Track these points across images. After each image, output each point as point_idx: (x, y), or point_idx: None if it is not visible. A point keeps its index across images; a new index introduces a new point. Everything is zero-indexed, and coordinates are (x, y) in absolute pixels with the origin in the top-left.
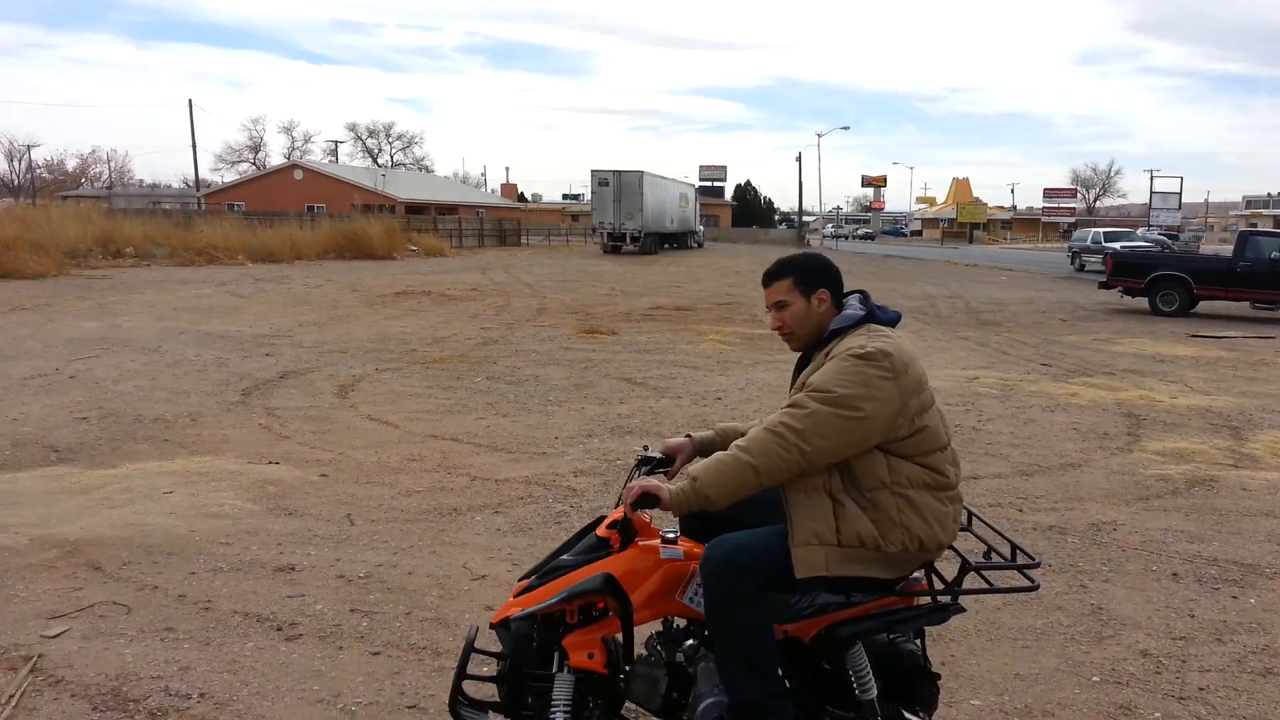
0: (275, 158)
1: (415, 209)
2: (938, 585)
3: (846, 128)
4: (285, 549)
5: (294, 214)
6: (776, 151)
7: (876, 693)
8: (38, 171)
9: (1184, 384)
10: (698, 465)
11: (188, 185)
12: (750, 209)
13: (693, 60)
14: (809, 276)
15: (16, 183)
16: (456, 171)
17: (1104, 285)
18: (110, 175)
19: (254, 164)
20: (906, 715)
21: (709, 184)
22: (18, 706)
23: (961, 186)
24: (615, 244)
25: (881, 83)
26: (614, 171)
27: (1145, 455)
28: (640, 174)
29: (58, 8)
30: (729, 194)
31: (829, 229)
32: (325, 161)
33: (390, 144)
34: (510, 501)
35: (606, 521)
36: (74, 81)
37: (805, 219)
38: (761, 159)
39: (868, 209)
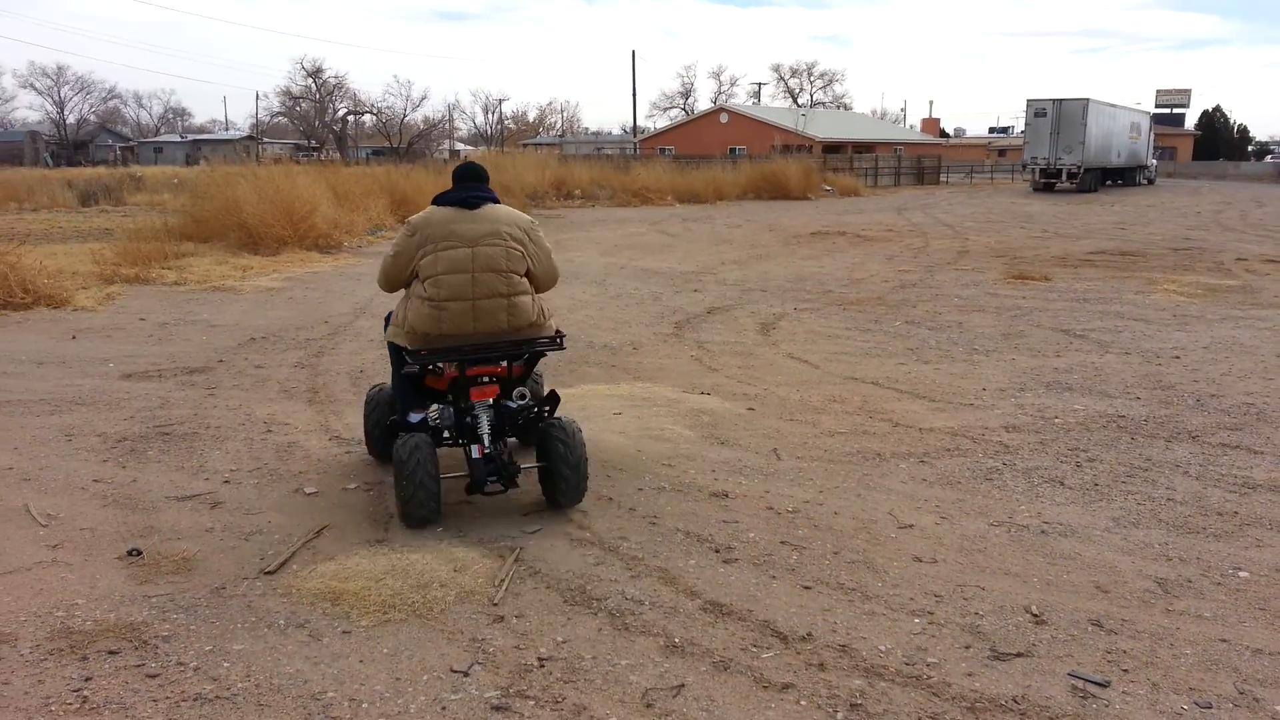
0: (703, 102)
1: (832, 148)
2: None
3: None
4: (719, 476)
5: (718, 156)
6: (1261, 70)
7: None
8: (506, 122)
9: None
10: None
11: (625, 132)
12: (1218, 139)
13: None
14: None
15: (489, 132)
16: (876, 108)
17: None
18: (563, 124)
19: (684, 109)
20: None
21: (1167, 110)
22: (507, 590)
23: None
24: (1048, 181)
25: None
26: (1054, 100)
27: None
28: (1085, 101)
29: None
30: (1191, 122)
31: None
32: (749, 104)
33: (811, 83)
34: (936, 452)
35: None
36: (535, 38)
37: None
38: (1238, 80)
39: None
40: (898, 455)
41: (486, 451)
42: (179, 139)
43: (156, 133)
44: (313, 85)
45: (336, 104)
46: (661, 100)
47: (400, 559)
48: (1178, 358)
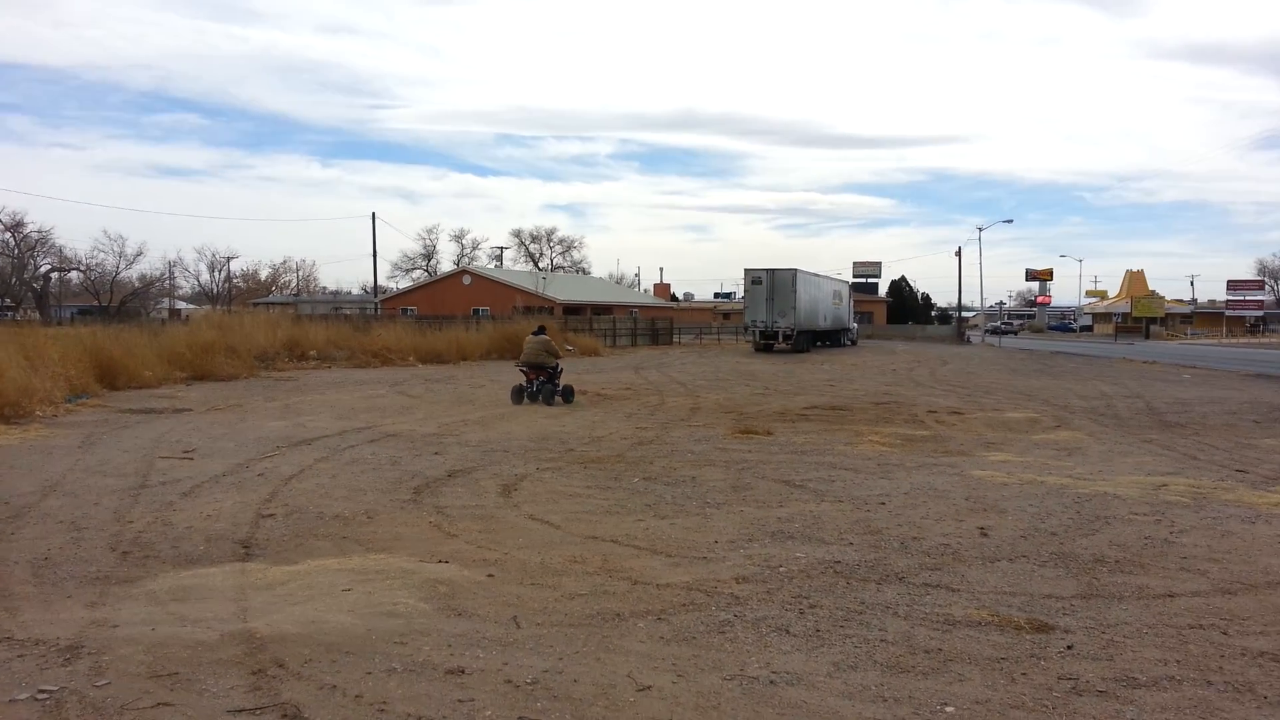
0: (446, 264)
1: (572, 309)
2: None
3: (1010, 221)
4: (455, 650)
5: (461, 317)
6: (931, 246)
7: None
8: (234, 281)
9: None
10: None
11: (366, 292)
12: (906, 305)
13: (841, 158)
14: None
15: (216, 291)
16: (612, 272)
17: None
18: (298, 283)
19: (426, 270)
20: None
21: (862, 280)
22: None
23: (1136, 279)
24: (767, 342)
25: (1042, 174)
26: (767, 270)
27: None
28: (794, 271)
29: (252, 131)
30: (883, 290)
31: (982, 325)
32: (491, 266)
33: (551, 248)
34: (673, 608)
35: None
36: (267, 198)
37: (965, 314)
38: (916, 254)
39: (1032, 304)
40: (636, 614)
41: (530, 390)
42: None
43: None
44: (11, 240)
45: (39, 260)
46: (404, 261)
47: None
48: (883, 504)
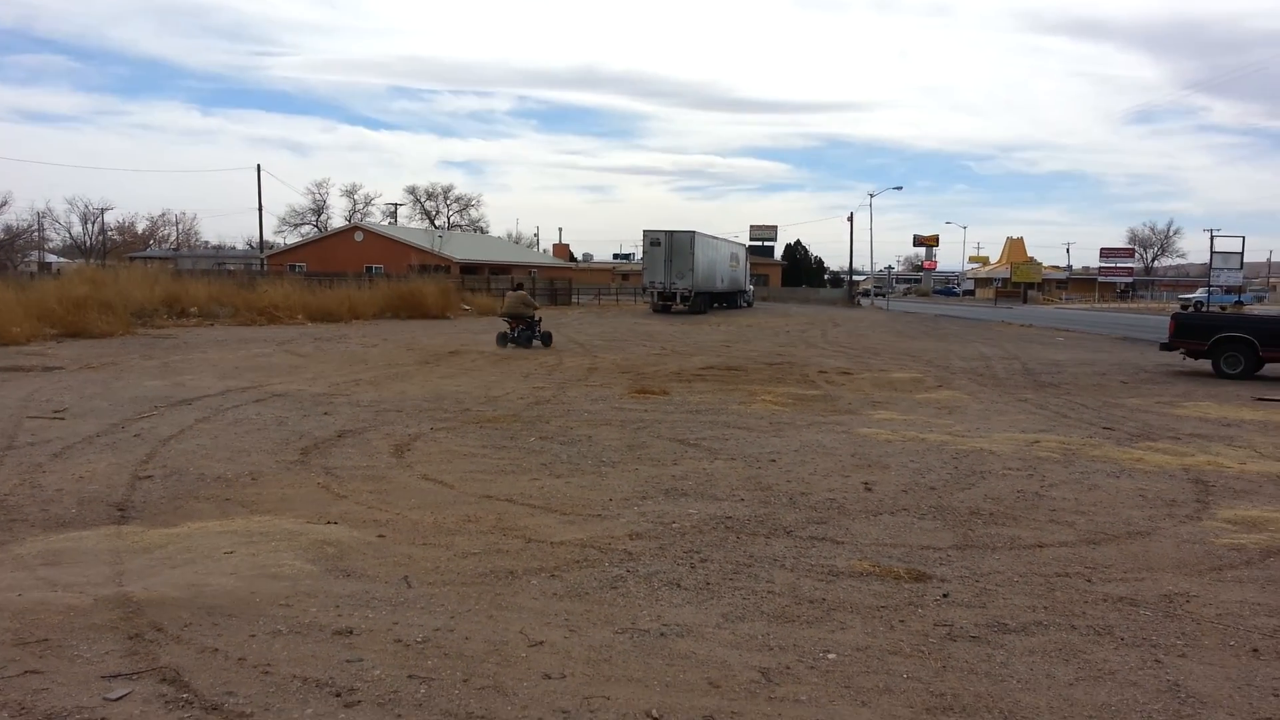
0: (337, 220)
1: (470, 269)
2: None
3: (899, 188)
4: (343, 611)
5: (353, 275)
6: (826, 211)
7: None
8: (109, 234)
9: (1252, 449)
10: None
11: (251, 247)
12: (800, 268)
13: (740, 122)
14: None
15: (89, 244)
16: (511, 232)
17: (1165, 347)
18: (178, 237)
19: (316, 226)
20: (537, 342)
21: (759, 243)
22: None
23: (1016, 246)
24: (665, 303)
25: (930, 143)
26: (666, 231)
27: (1216, 524)
28: (692, 234)
29: (129, 76)
30: (779, 253)
31: (870, 289)
32: (385, 223)
33: (448, 206)
34: (566, 565)
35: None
36: (145, 147)
37: (856, 278)
38: (811, 218)
39: (919, 268)
40: (530, 571)
41: (513, 336)
42: None
43: None
44: None
45: None
46: (292, 216)
47: None
48: (774, 461)
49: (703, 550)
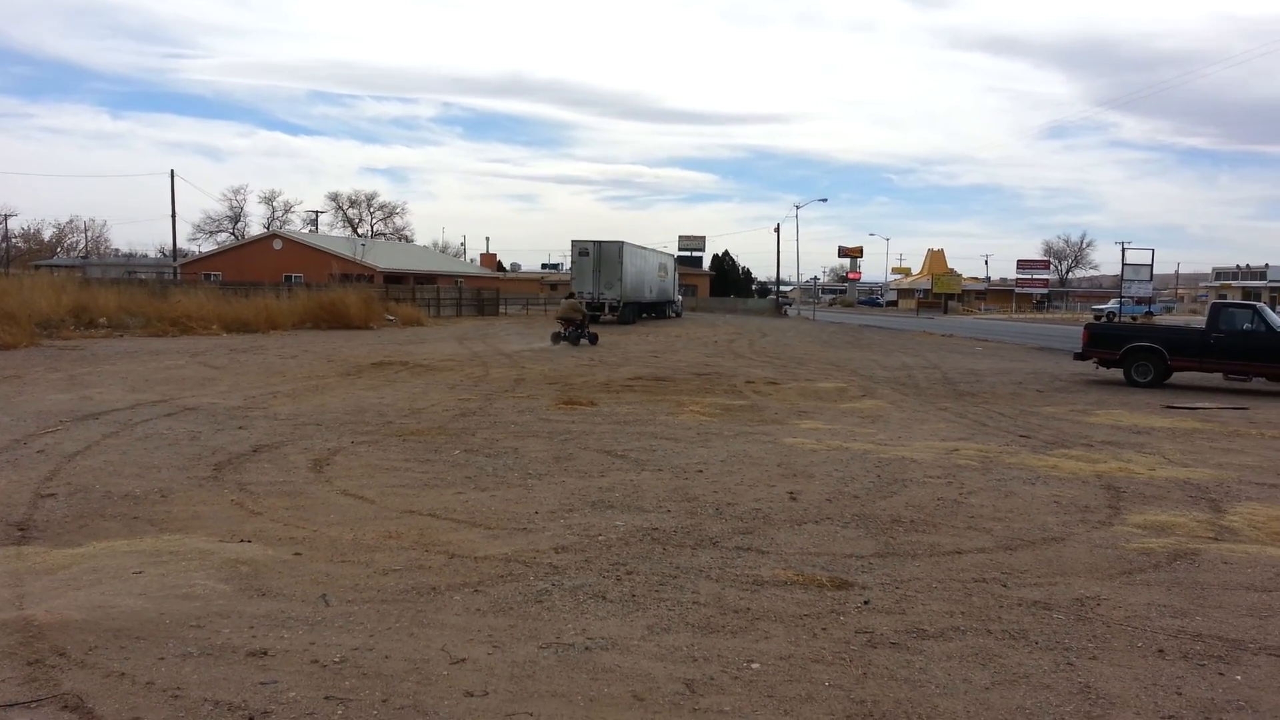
0: (255, 228)
1: (394, 278)
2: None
3: (824, 200)
4: (258, 632)
5: (271, 284)
6: (753, 222)
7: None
8: (13, 241)
9: (1161, 456)
10: None
11: (164, 255)
12: (728, 279)
13: (668, 133)
14: None
15: None
16: (437, 241)
17: (1079, 356)
18: (87, 245)
19: (233, 234)
20: (585, 340)
21: (688, 254)
22: None
23: (936, 257)
24: (594, 313)
25: (854, 155)
26: (594, 242)
27: (1126, 529)
28: (620, 244)
29: (33, 77)
30: (707, 264)
31: (798, 299)
32: (306, 231)
33: (371, 214)
34: (490, 580)
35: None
36: (52, 151)
37: (783, 289)
38: (738, 229)
39: (844, 279)
40: (452, 587)
41: (565, 335)
42: None
43: None
44: None
45: None
46: (207, 223)
47: None
48: (701, 471)
49: (629, 562)
